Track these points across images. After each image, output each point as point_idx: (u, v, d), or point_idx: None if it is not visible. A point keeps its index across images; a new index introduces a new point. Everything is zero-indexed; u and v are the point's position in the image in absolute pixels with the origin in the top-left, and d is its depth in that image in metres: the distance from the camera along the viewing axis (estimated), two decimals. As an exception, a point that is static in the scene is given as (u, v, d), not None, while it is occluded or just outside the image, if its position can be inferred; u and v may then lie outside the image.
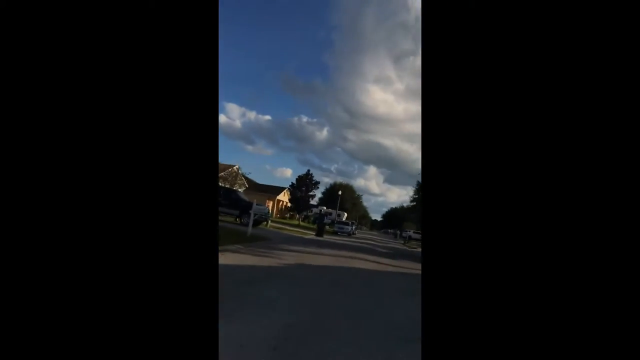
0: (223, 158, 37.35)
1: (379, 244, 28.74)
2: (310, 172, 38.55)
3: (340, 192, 43.39)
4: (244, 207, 16.93)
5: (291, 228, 25.45)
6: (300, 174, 61.60)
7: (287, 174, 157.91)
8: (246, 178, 39.13)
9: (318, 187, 38.22)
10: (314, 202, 46.20)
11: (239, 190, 29.39)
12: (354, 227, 35.85)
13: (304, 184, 37.63)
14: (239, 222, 17.26)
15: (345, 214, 48.01)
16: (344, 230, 31.52)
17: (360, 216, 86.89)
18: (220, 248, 7.96)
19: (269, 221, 22.12)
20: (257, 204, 16.41)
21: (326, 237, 22.91)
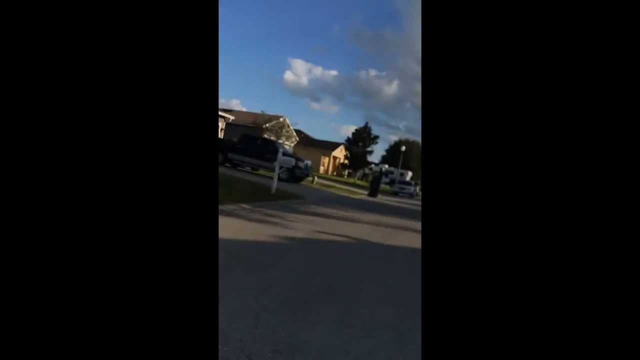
0: (289, 116, 34.31)
1: None
2: (369, 124, 34.42)
3: (403, 148, 38.89)
4: (284, 160, 13.80)
5: (342, 187, 22.17)
6: (388, 147, 57.74)
7: (350, 132, 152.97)
8: (297, 132, 36.15)
9: (377, 142, 34.16)
10: (376, 159, 42.51)
11: (286, 143, 26.47)
12: (417, 188, 31.84)
13: (361, 138, 33.77)
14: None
15: (410, 173, 43.50)
16: (405, 190, 27.57)
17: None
18: (220, 207, 5.48)
19: (315, 177, 19.04)
20: (290, 156, 13.27)
21: (382, 198, 19.41)
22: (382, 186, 32.27)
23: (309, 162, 17.47)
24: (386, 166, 44.29)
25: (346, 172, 40.39)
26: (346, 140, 34.69)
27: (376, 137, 34.05)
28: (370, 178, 32.55)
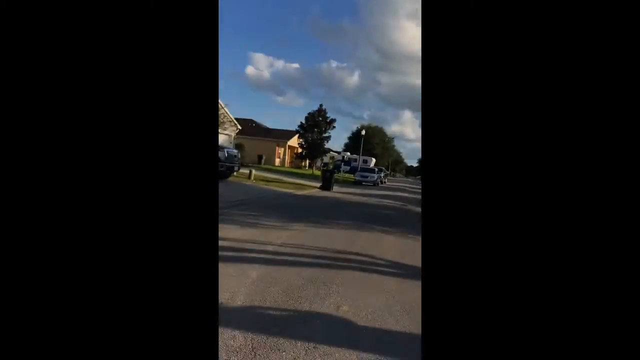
0: (252, 112, 29.58)
1: (415, 195, 21.45)
2: (324, 107, 30.36)
3: (363, 132, 35.21)
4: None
5: (293, 180, 18.19)
6: (350, 134, 53.89)
7: (304, 117, 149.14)
8: (246, 120, 31.75)
9: (334, 127, 30.10)
10: (339, 148, 38.73)
11: (222, 133, 22.09)
12: (382, 175, 28.37)
13: (315, 123, 29.75)
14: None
15: (374, 160, 40.11)
16: (367, 179, 23.84)
17: (394, 162, 78.52)
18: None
19: (251, 171, 14.99)
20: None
21: (338, 191, 15.62)
22: (345, 175, 28.46)
23: (236, 152, 13.33)
24: (348, 154, 40.64)
25: (306, 162, 36.34)
26: (299, 127, 30.43)
27: (333, 120, 29.97)
28: (330, 167, 28.67)
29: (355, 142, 54.21)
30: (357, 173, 24.63)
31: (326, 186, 15.45)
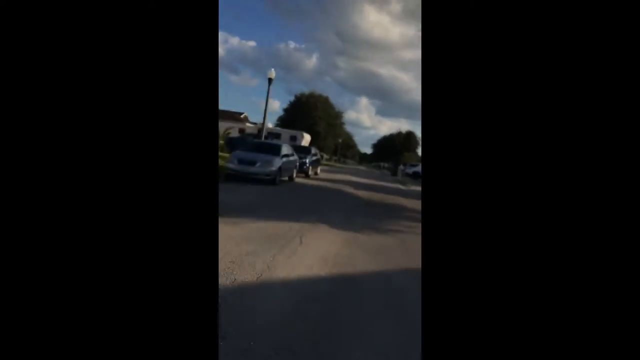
0: None
1: (361, 195, 10.59)
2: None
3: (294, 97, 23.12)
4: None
5: None
6: (287, 105, 41.40)
7: (274, 107, 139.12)
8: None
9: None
10: (270, 122, 26.23)
11: None
12: (308, 160, 16.22)
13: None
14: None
15: (307, 137, 27.58)
16: (258, 169, 9.92)
17: (344, 145, 66.65)
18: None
19: None
20: None
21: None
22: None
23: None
24: (269, 125, 27.84)
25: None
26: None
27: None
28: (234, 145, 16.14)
29: (291, 115, 41.56)
30: (234, 155, 10.40)
31: None
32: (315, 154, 18.08)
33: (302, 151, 16.94)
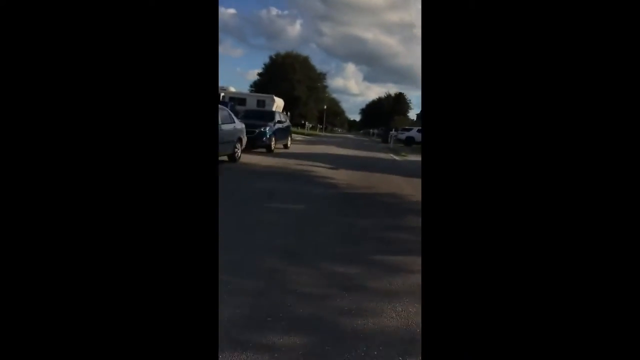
0: None
1: (339, 179, 5.95)
2: None
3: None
4: None
5: None
6: (261, 69, 36.54)
7: (255, 76, 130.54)
8: None
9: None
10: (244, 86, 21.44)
11: None
12: (277, 126, 12.19)
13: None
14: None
15: (277, 102, 22.63)
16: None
17: (331, 113, 61.63)
18: None
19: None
20: None
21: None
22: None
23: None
24: (232, 89, 22.85)
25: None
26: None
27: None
28: None
29: (266, 80, 36.64)
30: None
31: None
32: (281, 121, 13.70)
33: (262, 117, 12.60)
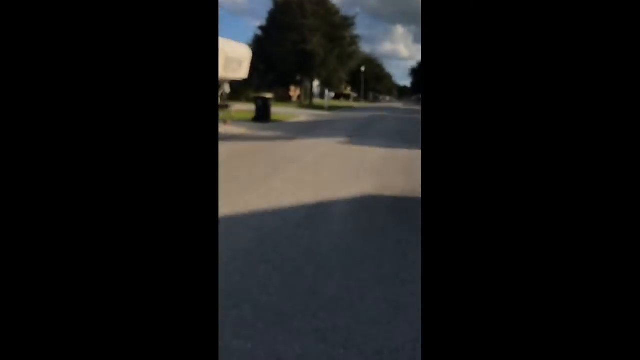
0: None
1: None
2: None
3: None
4: None
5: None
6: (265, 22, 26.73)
7: None
8: None
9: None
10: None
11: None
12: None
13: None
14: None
15: (231, 53, 11.75)
16: None
17: (373, 77, 49.75)
18: None
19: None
20: None
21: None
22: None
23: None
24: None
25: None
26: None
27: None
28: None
29: (270, 32, 26.03)
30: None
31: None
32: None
33: None
